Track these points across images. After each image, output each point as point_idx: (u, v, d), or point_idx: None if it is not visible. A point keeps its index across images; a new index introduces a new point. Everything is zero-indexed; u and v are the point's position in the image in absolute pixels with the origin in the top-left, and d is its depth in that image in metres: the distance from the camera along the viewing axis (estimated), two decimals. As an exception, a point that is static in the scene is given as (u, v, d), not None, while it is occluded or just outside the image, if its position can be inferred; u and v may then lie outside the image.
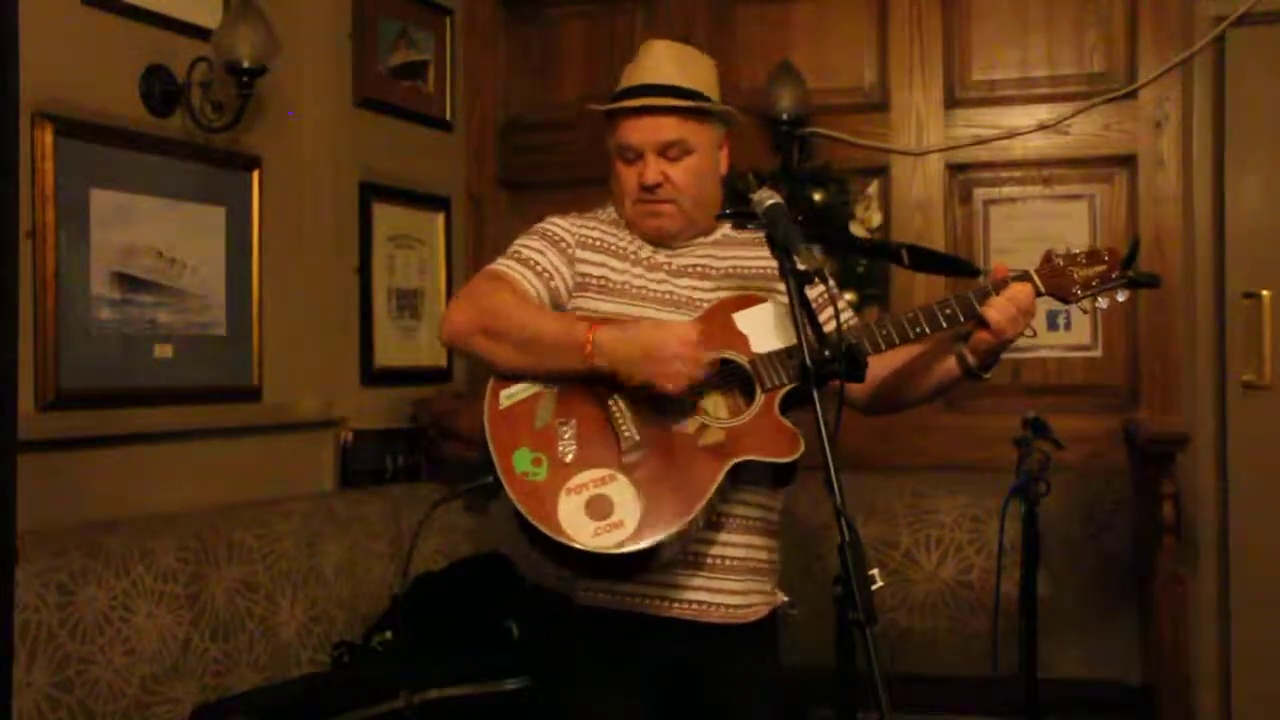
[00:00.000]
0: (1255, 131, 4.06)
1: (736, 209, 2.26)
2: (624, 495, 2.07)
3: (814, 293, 2.08)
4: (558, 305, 2.26)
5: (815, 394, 1.95)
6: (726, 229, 2.37)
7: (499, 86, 4.69)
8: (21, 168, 2.87)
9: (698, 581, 2.20)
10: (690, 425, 2.15)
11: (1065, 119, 4.15)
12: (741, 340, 2.21)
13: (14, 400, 1.80)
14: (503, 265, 2.27)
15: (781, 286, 2.06)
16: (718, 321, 2.22)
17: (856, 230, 4.17)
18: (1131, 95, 4.11)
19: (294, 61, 3.79)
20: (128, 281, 3.31)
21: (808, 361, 1.95)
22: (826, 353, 1.95)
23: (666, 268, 2.30)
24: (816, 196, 4.12)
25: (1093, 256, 2.24)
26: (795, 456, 2.13)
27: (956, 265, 2.58)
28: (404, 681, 3.24)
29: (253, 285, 3.70)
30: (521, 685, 3.30)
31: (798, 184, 4.13)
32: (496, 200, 4.68)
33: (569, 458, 2.10)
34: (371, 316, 4.17)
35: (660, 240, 2.32)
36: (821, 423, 1.93)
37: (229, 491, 3.54)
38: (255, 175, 3.71)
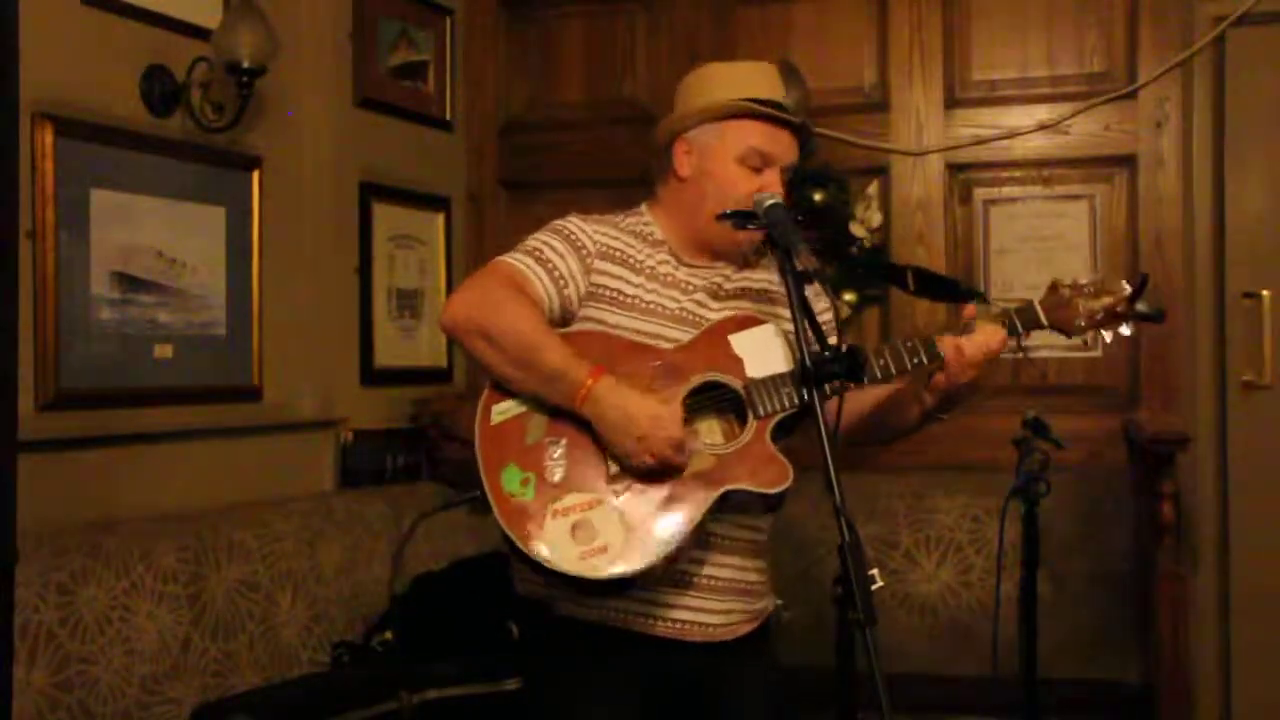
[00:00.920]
0: (1255, 131, 4.06)
1: (737, 209, 2.26)
2: (610, 521, 2.06)
3: (819, 306, 2.07)
4: (567, 312, 2.21)
5: (815, 395, 1.95)
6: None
7: (499, 86, 4.69)
8: (21, 168, 2.86)
9: (682, 601, 2.18)
10: None
11: (1065, 119, 4.15)
12: (736, 363, 2.16)
13: (14, 400, 1.80)
14: (520, 262, 2.20)
15: (787, 312, 2.05)
16: (713, 342, 2.18)
17: (856, 230, 4.17)
18: (1131, 95, 4.11)
19: (294, 61, 3.79)
20: (128, 281, 3.31)
21: (807, 361, 1.95)
22: (826, 353, 1.95)
23: (683, 286, 2.25)
24: (816, 196, 4.11)
25: (1100, 288, 2.18)
26: (783, 488, 2.12)
27: (957, 293, 2.54)
28: (404, 682, 3.24)
29: (253, 285, 3.70)
30: (521, 686, 3.30)
31: (798, 184, 4.13)
32: (496, 200, 4.68)
33: (557, 477, 2.09)
34: (371, 316, 4.17)
35: (735, 258, 2.28)
36: (821, 422, 1.93)
37: (229, 491, 3.54)
38: (255, 175, 3.71)
